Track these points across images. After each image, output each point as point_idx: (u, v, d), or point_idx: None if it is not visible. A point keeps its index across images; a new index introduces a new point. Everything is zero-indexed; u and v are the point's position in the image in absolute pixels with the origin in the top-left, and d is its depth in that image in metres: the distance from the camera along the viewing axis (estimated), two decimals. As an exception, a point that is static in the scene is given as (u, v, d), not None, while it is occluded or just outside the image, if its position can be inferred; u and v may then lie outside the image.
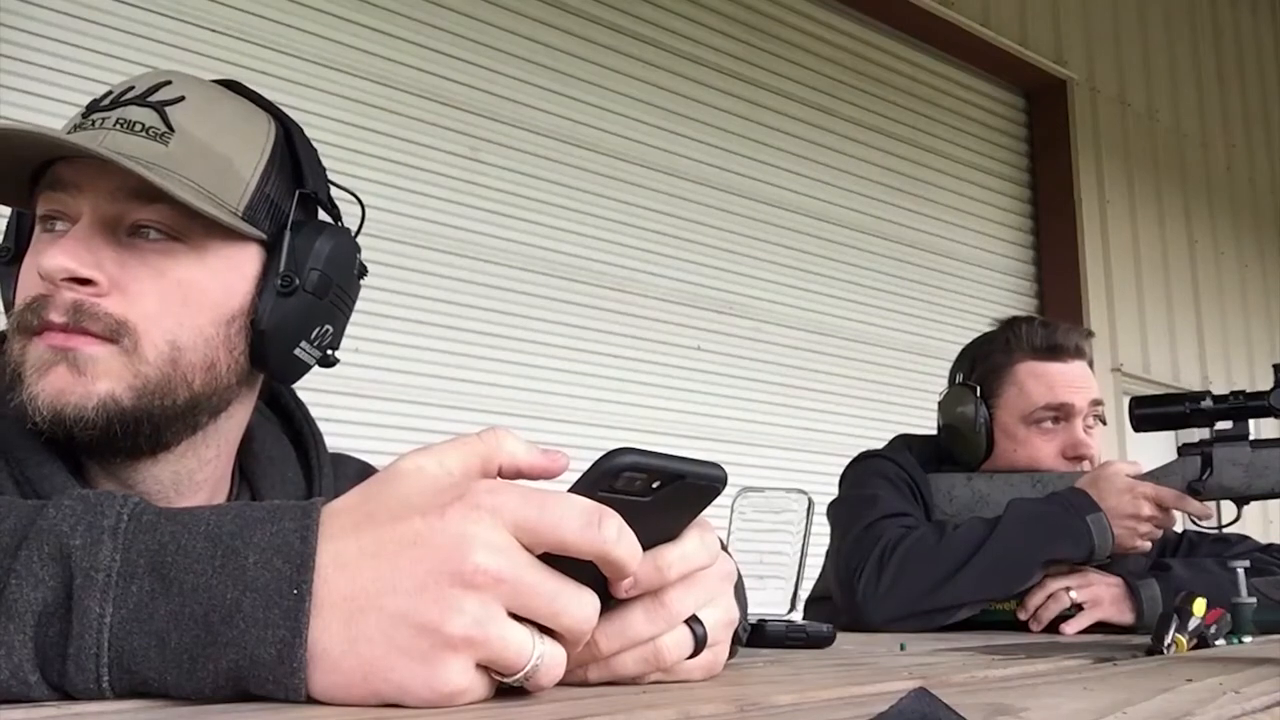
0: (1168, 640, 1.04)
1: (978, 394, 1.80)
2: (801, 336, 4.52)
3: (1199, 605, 1.09)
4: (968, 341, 1.93)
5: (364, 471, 1.05)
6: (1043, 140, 5.57)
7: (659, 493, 0.55)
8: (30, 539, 0.51)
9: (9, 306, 0.89)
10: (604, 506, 0.52)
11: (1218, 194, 6.52)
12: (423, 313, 3.52)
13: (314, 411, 1.04)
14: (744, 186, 4.41)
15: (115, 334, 0.81)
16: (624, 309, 4.01)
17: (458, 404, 3.56)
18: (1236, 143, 6.76)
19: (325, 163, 0.96)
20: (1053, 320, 1.88)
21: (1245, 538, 1.84)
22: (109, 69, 2.96)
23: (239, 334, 0.87)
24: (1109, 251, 5.63)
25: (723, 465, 0.57)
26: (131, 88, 0.85)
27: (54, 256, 0.79)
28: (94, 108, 0.84)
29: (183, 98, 0.84)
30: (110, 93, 0.85)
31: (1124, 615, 1.60)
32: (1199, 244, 6.30)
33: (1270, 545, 1.84)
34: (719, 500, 0.59)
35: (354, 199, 0.97)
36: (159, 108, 0.83)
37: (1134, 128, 5.99)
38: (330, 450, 1.03)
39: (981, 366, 1.83)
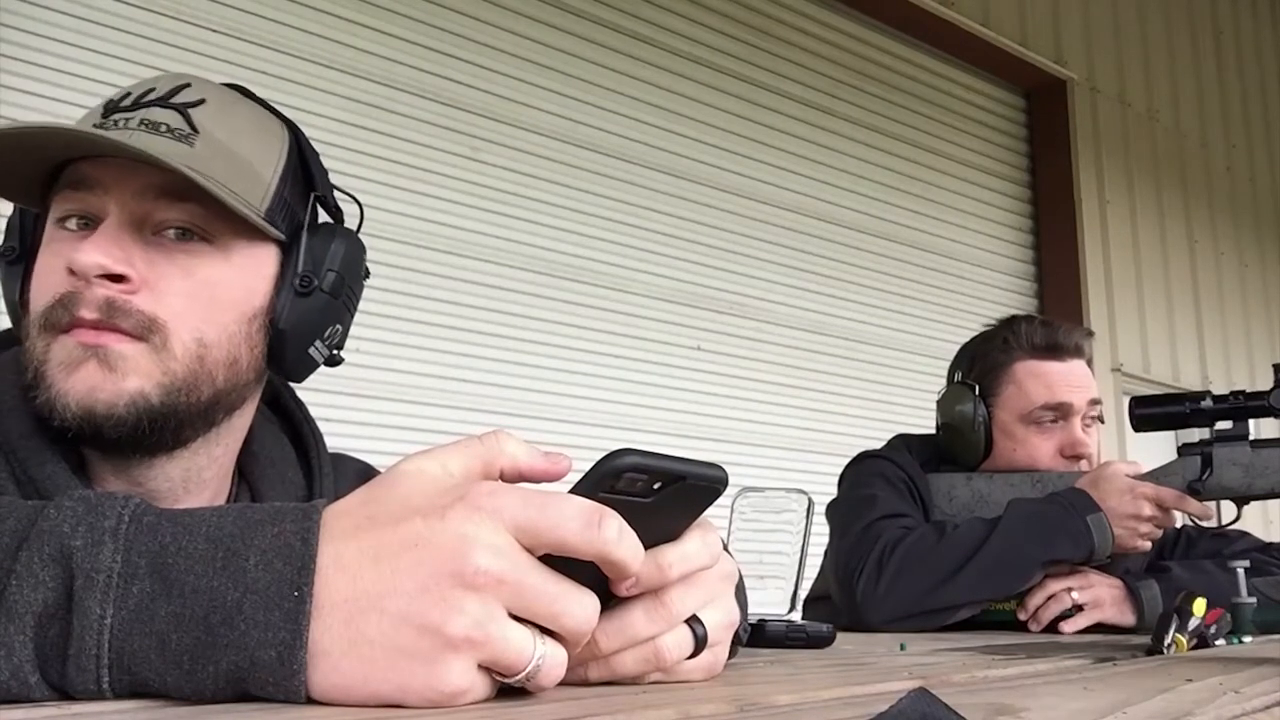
0: (1168, 640, 1.04)
1: (976, 393, 1.80)
2: (802, 336, 4.52)
3: (1199, 605, 1.09)
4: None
5: (364, 472, 1.05)
6: (1043, 140, 5.57)
7: (660, 493, 0.55)
8: (31, 540, 0.51)
9: (11, 307, 0.89)
10: (604, 507, 0.52)
11: (1218, 194, 6.51)
12: (422, 313, 3.52)
13: (314, 411, 1.04)
14: (744, 186, 4.41)
15: (145, 331, 0.81)
16: (624, 309, 4.01)
17: (457, 404, 3.55)
18: (1236, 143, 6.76)
19: (325, 163, 0.96)
20: (1052, 319, 1.87)
21: (1245, 534, 1.84)
22: (109, 69, 2.96)
23: (259, 332, 0.88)
24: (1109, 251, 5.63)
25: (723, 465, 0.57)
26: (152, 89, 0.85)
27: (88, 253, 0.79)
28: (114, 108, 0.84)
29: (204, 100, 0.85)
30: (129, 94, 0.85)
31: (1125, 617, 1.60)
32: (1199, 244, 6.30)
33: (1270, 545, 1.84)
34: (719, 500, 0.59)
35: (352, 200, 0.97)
36: (182, 109, 0.83)
37: (1134, 128, 5.99)
38: (330, 450, 1.03)
39: (980, 365, 1.82)
